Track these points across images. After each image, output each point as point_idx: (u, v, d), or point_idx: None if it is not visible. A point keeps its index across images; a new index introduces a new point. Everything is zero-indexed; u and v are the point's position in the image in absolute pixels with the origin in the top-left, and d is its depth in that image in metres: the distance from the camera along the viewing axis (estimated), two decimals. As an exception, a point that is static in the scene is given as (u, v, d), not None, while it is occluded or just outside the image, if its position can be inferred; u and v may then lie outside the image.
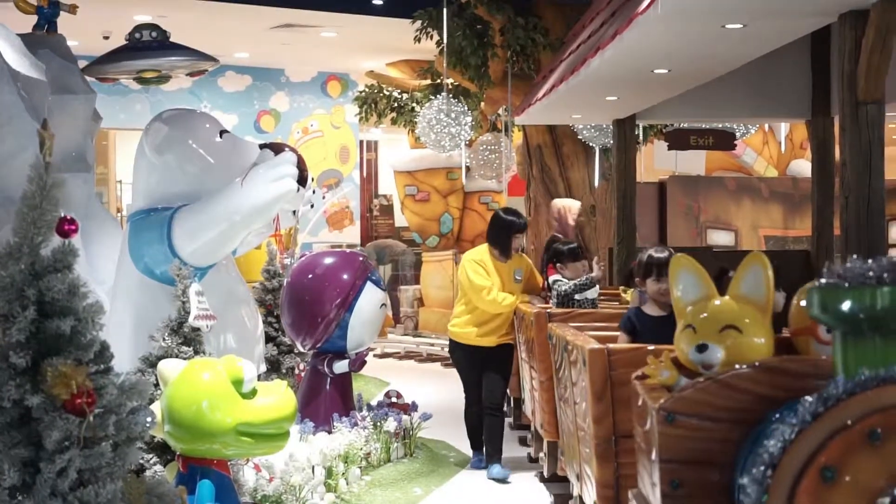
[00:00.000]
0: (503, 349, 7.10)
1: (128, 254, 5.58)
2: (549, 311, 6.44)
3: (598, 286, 6.90)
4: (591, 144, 12.21)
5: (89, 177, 7.10)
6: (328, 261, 6.89)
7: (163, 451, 4.58)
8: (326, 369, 6.67)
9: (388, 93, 15.18)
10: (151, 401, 3.75)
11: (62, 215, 3.13)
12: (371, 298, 6.71)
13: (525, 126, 12.33)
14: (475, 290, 6.90)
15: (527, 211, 12.75)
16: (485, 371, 7.04)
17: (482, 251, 7.07)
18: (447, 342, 7.48)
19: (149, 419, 3.21)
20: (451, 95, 12.75)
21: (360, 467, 6.12)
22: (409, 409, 7.12)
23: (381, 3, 13.40)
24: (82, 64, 7.84)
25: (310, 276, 6.77)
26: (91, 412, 2.98)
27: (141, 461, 3.23)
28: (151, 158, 5.68)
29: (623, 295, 7.26)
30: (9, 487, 2.88)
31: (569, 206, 9.81)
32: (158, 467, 4.46)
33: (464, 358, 7.12)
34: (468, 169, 16.42)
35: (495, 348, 7.05)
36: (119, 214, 14.92)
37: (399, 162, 17.07)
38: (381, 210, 17.02)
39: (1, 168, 5.77)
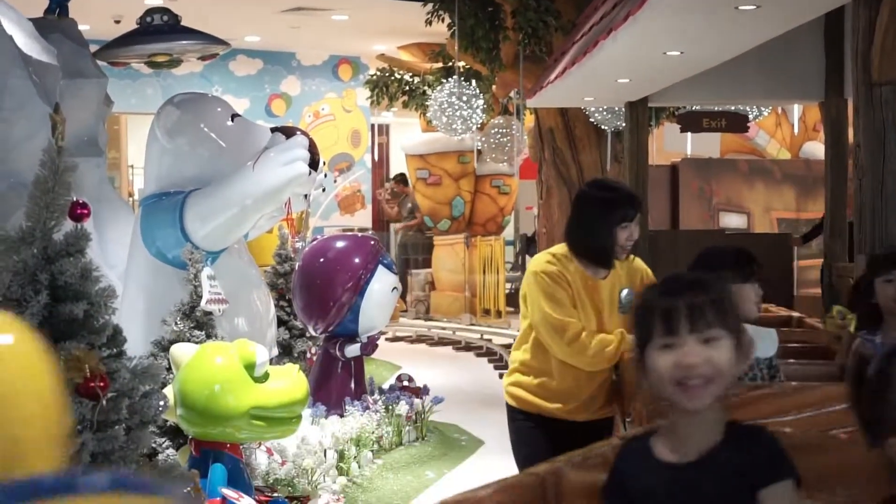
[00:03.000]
0: (601, 426, 4.07)
1: (140, 238, 5.58)
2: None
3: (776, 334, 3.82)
4: (602, 127, 12.17)
5: (101, 161, 7.10)
6: (340, 244, 6.89)
7: (175, 435, 4.59)
8: (338, 353, 6.68)
9: (399, 76, 15.15)
10: (164, 385, 3.76)
11: (75, 199, 3.14)
12: (383, 282, 6.71)
13: (537, 109, 12.30)
14: (550, 328, 3.90)
15: (538, 195, 12.73)
16: None
17: (559, 256, 4.01)
18: (458, 325, 7.39)
19: (161, 403, 3.22)
20: (462, 78, 12.73)
21: (372, 451, 6.13)
22: (421, 392, 7.13)
23: (392, -15, 13.37)
24: (94, 48, 7.83)
25: (321, 259, 6.77)
26: (104, 396, 2.99)
27: (153, 445, 3.24)
28: (163, 142, 5.68)
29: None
30: (23, 471, 2.89)
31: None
32: (171, 451, 4.47)
33: (530, 437, 4.08)
34: (479, 152, 16.40)
35: (590, 425, 4.02)
36: (131, 199, 14.95)
37: (410, 145, 17.05)
38: (393, 194, 16.98)
39: (13, 152, 5.77)
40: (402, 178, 17.12)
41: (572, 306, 3.93)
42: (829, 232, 8.87)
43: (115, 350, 3.12)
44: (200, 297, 4.79)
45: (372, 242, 6.97)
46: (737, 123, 11.42)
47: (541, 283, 3.94)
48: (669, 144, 15.99)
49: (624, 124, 10.46)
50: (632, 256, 4.11)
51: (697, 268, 3.60)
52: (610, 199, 4.00)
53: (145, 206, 5.62)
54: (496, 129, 14.97)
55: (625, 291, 3.98)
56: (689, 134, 14.69)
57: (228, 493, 4.05)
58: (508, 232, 17.54)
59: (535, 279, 3.96)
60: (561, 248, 4.03)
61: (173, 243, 5.35)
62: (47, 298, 2.99)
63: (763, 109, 12.98)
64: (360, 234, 8.06)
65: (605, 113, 11.81)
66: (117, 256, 6.25)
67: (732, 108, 11.51)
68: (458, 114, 12.77)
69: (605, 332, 3.94)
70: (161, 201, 5.54)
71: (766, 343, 3.47)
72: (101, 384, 2.97)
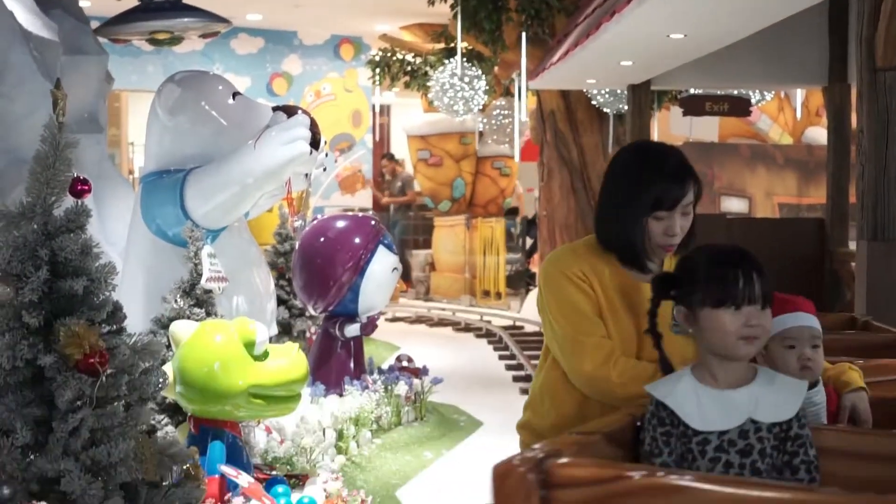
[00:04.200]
0: None
1: (140, 215, 5.57)
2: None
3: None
4: (605, 110, 12.15)
5: (101, 138, 7.09)
6: (340, 224, 6.88)
7: (174, 412, 4.59)
8: (338, 332, 6.68)
9: (401, 56, 15.12)
10: (163, 362, 3.76)
11: (75, 176, 3.13)
12: (383, 262, 6.70)
13: (539, 91, 12.27)
14: (564, 348, 2.93)
15: (540, 177, 12.72)
16: None
17: (585, 249, 3.01)
18: (458, 306, 7.38)
19: (161, 380, 3.22)
20: (464, 59, 12.70)
21: (371, 430, 6.14)
22: (420, 373, 7.13)
23: (395, -35, 13.32)
24: (94, 24, 7.81)
25: (322, 239, 6.76)
26: (103, 372, 2.98)
27: (153, 422, 3.24)
28: (164, 120, 5.66)
29: None
30: (21, 446, 2.89)
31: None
32: (170, 428, 4.48)
33: None
34: (481, 134, 16.38)
35: None
36: (131, 176, 14.94)
37: (412, 126, 17.03)
38: (392, 174, 16.97)
39: (13, 128, 5.76)
40: (390, 157, 17.12)
41: (598, 317, 2.87)
42: (831, 218, 8.86)
43: (114, 327, 3.11)
44: (200, 274, 4.78)
45: (372, 223, 6.96)
46: (739, 107, 11.39)
47: (554, 286, 2.94)
48: (674, 128, 15.97)
49: (626, 107, 10.44)
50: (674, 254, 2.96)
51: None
52: (641, 171, 2.89)
53: (145, 184, 5.60)
54: (498, 111, 14.96)
55: None
56: (691, 118, 14.66)
57: (227, 470, 4.06)
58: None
59: (547, 280, 2.97)
60: (591, 239, 3.02)
61: (173, 221, 5.34)
62: (47, 274, 2.98)
63: (766, 94, 12.95)
64: (360, 215, 8.05)
65: (607, 95, 11.79)
66: (117, 234, 6.24)
67: (735, 92, 11.48)
68: (459, 95, 12.77)
69: (645, 353, 2.82)
70: (161, 179, 5.52)
71: (781, 395, 2.38)
72: (101, 360, 2.96)
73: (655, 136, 13.40)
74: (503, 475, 1.97)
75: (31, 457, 2.90)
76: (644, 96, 9.75)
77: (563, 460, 1.98)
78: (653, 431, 2.38)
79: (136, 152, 16.75)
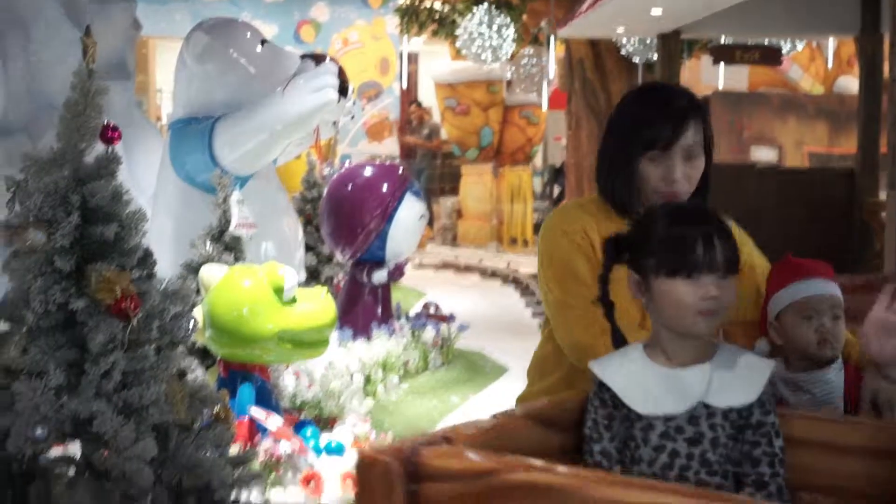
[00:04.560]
0: None
1: (169, 162, 5.62)
2: None
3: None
4: (634, 59, 12.06)
5: (129, 85, 7.11)
6: (368, 172, 6.91)
7: (204, 357, 4.65)
8: (365, 279, 6.72)
9: (429, 4, 15.03)
10: (193, 307, 3.81)
11: (105, 122, 3.16)
12: (410, 209, 6.73)
13: (568, 39, 12.19)
14: (559, 317, 2.67)
15: (567, 126, 12.67)
16: None
17: (590, 206, 2.73)
18: (485, 253, 7.41)
19: (191, 324, 3.27)
20: (493, 7, 12.62)
21: (398, 375, 6.20)
22: (447, 319, 7.18)
23: (423, -89, 13.22)
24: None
25: (350, 186, 6.79)
26: (135, 316, 3.03)
27: (183, 365, 3.29)
28: (192, 68, 5.69)
29: None
30: (55, 388, 2.95)
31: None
32: (200, 372, 4.54)
33: None
34: (509, 82, 16.30)
35: None
36: (158, 123, 14.98)
37: (439, 74, 16.97)
38: (419, 121, 16.93)
39: (43, 75, 5.79)
40: (417, 104, 17.08)
41: (599, 281, 2.30)
42: (861, 168, 8.81)
43: (145, 272, 3.16)
44: (229, 221, 4.83)
45: (400, 170, 6.99)
46: (770, 56, 11.29)
47: (550, 244, 2.65)
48: (704, 78, 15.85)
49: (655, 56, 10.37)
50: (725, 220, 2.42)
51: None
52: (638, 108, 2.66)
53: (174, 131, 5.64)
54: (526, 60, 14.86)
55: None
56: (720, 68, 14.54)
57: (256, 413, 4.12)
58: (537, 162, 17.48)
59: (544, 237, 2.68)
60: (591, 199, 2.74)
61: (202, 168, 5.38)
62: (78, 220, 3.02)
63: (797, 43, 12.81)
64: (388, 162, 8.07)
65: (636, 45, 11.70)
66: (146, 180, 6.29)
67: (766, 41, 11.37)
68: (488, 43, 12.69)
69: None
70: (190, 126, 5.56)
71: (741, 375, 2.06)
72: (132, 305, 3.01)
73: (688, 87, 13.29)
74: (367, 466, 1.69)
75: (65, 398, 2.95)
76: (674, 45, 9.67)
77: (435, 450, 1.69)
78: (594, 413, 2.06)
79: (163, 99, 16.79)
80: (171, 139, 5.65)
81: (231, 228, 4.83)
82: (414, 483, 1.66)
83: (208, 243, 4.78)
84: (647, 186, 2.59)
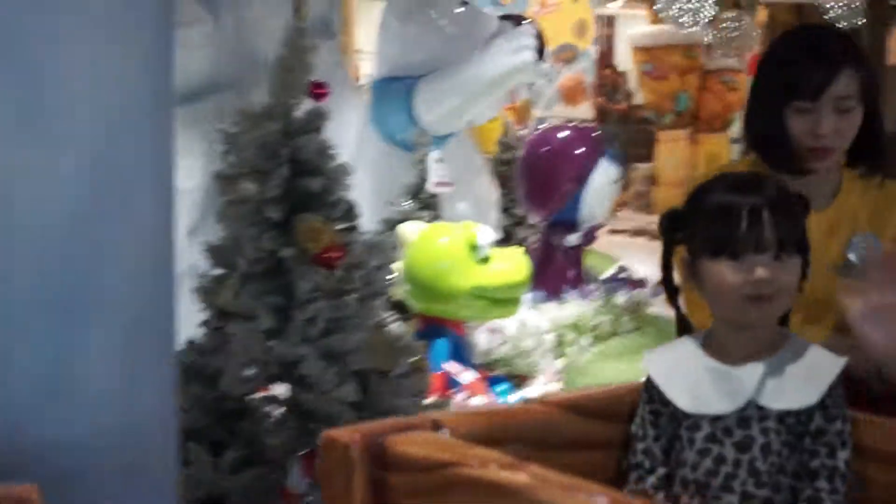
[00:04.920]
0: None
1: (370, 121, 5.75)
2: None
3: None
4: (839, 24, 11.64)
5: (333, 44, 7.28)
6: (564, 134, 6.91)
7: (400, 311, 4.77)
8: (558, 241, 6.75)
9: (628, -34, 14.85)
10: (393, 260, 3.92)
11: (313, 79, 3.27)
12: (605, 173, 6.71)
13: (770, 3, 11.85)
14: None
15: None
16: None
17: (750, 167, 2.34)
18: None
19: (390, 276, 3.37)
20: (693, -31, 12.37)
21: (590, 338, 6.21)
22: (639, 285, 7.13)
23: None
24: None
25: (545, 149, 6.81)
26: (338, 266, 3.14)
27: (382, 317, 3.40)
28: (394, 28, 5.80)
29: None
30: (264, 331, 3.09)
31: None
32: (398, 324, 4.66)
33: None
34: (708, 47, 15.96)
35: None
36: (358, 82, 15.29)
37: (636, 37, 16.74)
38: (614, 86, 16.78)
39: (252, 31, 5.99)
40: (613, 69, 16.89)
41: None
42: None
43: (348, 224, 3.28)
44: (427, 179, 4.93)
45: (595, 133, 6.97)
46: None
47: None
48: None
49: (862, 22, 9.98)
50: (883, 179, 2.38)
51: None
52: (785, 51, 2.36)
53: (376, 91, 5.78)
54: (727, 23, 14.50)
55: (860, 238, 2.31)
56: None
57: (450, 367, 4.22)
58: (736, 129, 17.10)
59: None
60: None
61: (402, 127, 5.50)
62: (288, 172, 3.15)
63: None
64: (583, 126, 8.04)
65: (842, 10, 11.29)
66: (347, 137, 6.46)
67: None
68: (687, 6, 12.45)
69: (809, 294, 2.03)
70: (391, 85, 5.68)
71: (804, 374, 1.83)
72: (337, 255, 3.13)
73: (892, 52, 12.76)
74: (328, 446, 1.58)
75: (272, 342, 3.10)
76: (882, 10, 9.29)
77: (401, 437, 1.56)
78: (641, 409, 1.90)
79: (363, 60, 17.10)
80: (372, 99, 5.79)
81: (429, 186, 4.93)
82: (380, 469, 1.54)
83: (406, 201, 4.89)
84: (795, 141, 2.28)
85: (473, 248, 4.32)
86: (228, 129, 3.24)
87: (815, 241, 2.04)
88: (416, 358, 3.35)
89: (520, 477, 1.39)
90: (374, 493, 1.53)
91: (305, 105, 3.29)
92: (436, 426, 1.62)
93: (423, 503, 1.49)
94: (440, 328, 4.44)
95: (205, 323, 3.19)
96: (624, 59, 17.91)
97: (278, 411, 3.08)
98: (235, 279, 3.12)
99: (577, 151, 6.70)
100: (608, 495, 1.35)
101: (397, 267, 4.37)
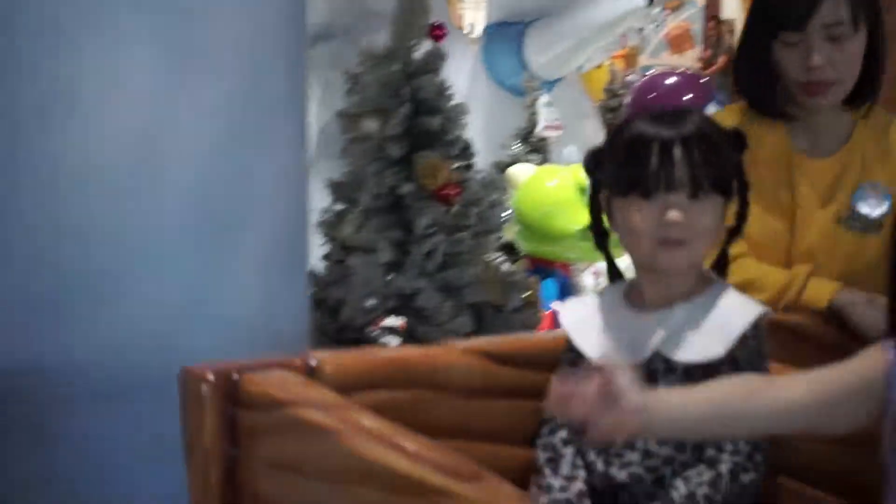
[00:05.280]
0: None
1: (481, 65, 5.82)
2: None
3: None
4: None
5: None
6: (672, 80, 6.87)
7: (509, 252, 4.86)
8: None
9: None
10: (506, 199, 4.01)
11: (432, 21, 3.36)
12: (714, 120, 6.68)
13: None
14: None
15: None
16: None
17: (740, 112, 2.16)
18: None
19: (504, 214, 3.46)
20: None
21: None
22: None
23: None
24: None
25: (653, 95, 6.79)
26: (456, 202, 3.25)
27: (495, 254, 3.50)
28: (505, -27, 5.85)
29: None
30: (383, 264, 3.21)
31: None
32: (506, 265, 4.76)
33: None
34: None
35: None
36: (462, 31, 15.28)
37: (745, -15, 16.43)
38: (717, 37, 16.46)
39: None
40: (717, 20, 16.57)
41: None
42: None
43: (465, 162, 3.37)
44: (537, 123, 5.00)
45: (703, 80, 6.93)
46: None
47: None
48: None
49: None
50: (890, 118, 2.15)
51: None
52: None
53: (487, 35, 5.84)
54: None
55: (866, 187, 2.09)
56: None
57: (559, 307, 4.30)
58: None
59: None
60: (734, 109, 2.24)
61: (512, 71, 5.56)
62: (408, 110, 3.25)
63: None
64: (690, 72, 7.98)
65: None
66: (458, 84, 6.53)
67: None
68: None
69: (795, 259, 2.08)
70: (502, 30, 5.73)
71: (715, 323, 1.63)
72: (454, 191, 3.23)
73: None
74: (185, 380, 1.55)
75: (392, 275, 3.22)
76: None
77: (254, 375, 1.53)
78: (562, 361, 1.72)
79: (465, 10, 17.07)
80: (483, 44, 5.85)
81: (538, 130, 4.99)
82: (233, 406, 1.52)
83: (517, 144, 4.97)
84: (787, 80, 2.06)
85: (582, 190, 4.36)
86: (352, 69, 3.34)
87: (821, 190, 2.02)
88: (529, 293, 3.44)
89: (329, 421, 1.38)
90: (226, 428, 1.53)
91: (424, 46, 3.38)
92: (308, 367, 1.58)
93: (263, 442, 1.50)
94: (548, 269, 4.51)
95: (326, 256, 3.32)
96: (732, 9, 17.58)
97: (396, 342, 3.20)
98: (357, 214, 3.24)
99: (685, 97, 6.67)
100: (419, 442, 1.31)
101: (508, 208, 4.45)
